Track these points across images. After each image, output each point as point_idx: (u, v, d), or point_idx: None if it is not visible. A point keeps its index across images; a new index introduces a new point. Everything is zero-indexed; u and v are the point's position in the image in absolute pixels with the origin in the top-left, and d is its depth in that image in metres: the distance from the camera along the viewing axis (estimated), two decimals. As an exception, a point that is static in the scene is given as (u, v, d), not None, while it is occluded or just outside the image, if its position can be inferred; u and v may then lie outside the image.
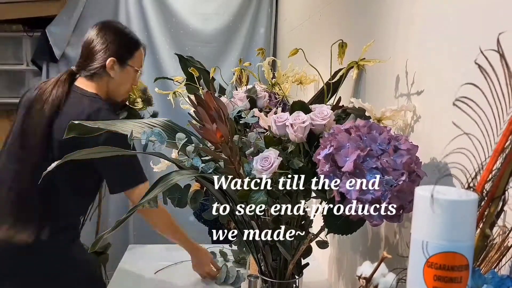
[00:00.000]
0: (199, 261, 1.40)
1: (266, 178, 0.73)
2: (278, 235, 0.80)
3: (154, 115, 2.06)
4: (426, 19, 0.76)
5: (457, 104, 0.46)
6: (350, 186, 0.61)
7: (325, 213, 0.76)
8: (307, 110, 0.79)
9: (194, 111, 0.78)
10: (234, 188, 0.76)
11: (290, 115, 0.77)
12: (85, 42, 1.48)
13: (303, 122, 0.75)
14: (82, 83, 1.45)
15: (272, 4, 2.74)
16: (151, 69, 2.74)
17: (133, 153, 0.81)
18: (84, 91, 1.44)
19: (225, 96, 0.91)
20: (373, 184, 0.60)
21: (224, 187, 0.78)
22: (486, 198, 0.48)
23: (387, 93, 0.91)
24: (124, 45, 1.51)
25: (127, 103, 1.71)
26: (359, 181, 0.60)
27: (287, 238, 0.81)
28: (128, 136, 0.79)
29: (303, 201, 0.83)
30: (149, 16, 2.70)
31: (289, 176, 0.77)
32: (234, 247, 1.46)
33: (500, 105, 0.47)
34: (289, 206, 0.82)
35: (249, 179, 0.76)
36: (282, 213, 0.81)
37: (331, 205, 0.73)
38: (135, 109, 1.78)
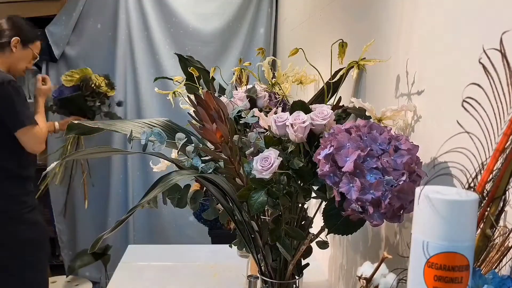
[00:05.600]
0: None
1: (266, 178, 0.73)
2: (278, 235, 0.80)
3: (119, 103, 2.46)
4: (427, 18, 0.76)
5: (463, 105, 0.46)
6: (350, 186, 0.60)
7: (325, 213, 0.76)
8: (307, 110, 0.79)
9: (194, 111, 0.78)
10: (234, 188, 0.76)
11: (290, 115, 0.76)
12: None
13: (303, 122, 0.74)
14: None
15: (272, 4, 2.74)
16: (151, 69, 2.75)
17: (133, 153, 0.81)
18: None
19: (225, 96, 0.91)
20: (373, 184, 0.59)
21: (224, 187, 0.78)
22: (486, 198, 0.48)
23: (387, 93, 0.90)
24: (28, 31, 1.98)
25: (93, 87, 2.34)
26: (359, 181, 0.60)
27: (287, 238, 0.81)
28: (128, 136, 0.79)
29: (303, 201, 0.83)
30: (149, 16, 2.70)
31: (289, 176, 0.77)
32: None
33: (501, 105, 0.47)
34: (289, 206, 0.82)
35: (249, 179, 0.76)
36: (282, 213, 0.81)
37: (331, 205, 0.73)
38: (101, 92, 2.36)
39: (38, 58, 2.07)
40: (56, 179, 2.54)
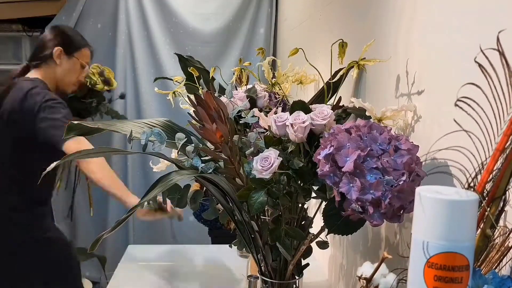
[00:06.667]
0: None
1: (266, 178, 0.73)
2: (278, 235, 0.80)
3: (122, 96, 2.43)
4: (427, 18, 0.76)
5: (459, 105, 0.46)
6: (350, 186, 0.60)
7: (325, 213, 0.76)
8: (307, 110, 0.79)
9: (194, 111, 0.78)
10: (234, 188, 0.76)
11: (290, 115, 0.76)
12: (38, 40, 1.74)
13: (303, 122, 0.74)
14: (30, 73, 1.68)
15: (272, 4, 2.73)
16: (151, 69, 2.74)
17: (133, 153, 0.81)
18: (27, 77, 1.66)
19: (225, 96, 0.91)
20: (373, 184, 0.59)
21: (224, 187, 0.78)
22: (486, 198, 0.48)
23: (387, 93, 0.90)
24: (73, 39, 1.75)
25: (89, 86, 1.99)
26: (359, 181, 0.60)
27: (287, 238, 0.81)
28: (128, 136, 0.79)
29: (303, 201, 0.83)
30: (149, 16, 2.70)
31: (289, 176, 0.77)
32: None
33: (501, 105, 0.47)
34: (289, 206, 0.82)
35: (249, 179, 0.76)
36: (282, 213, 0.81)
37: (331, 205, 0.73)
38: (98, 90, 2.06)
39: (88, 68, 1.83)
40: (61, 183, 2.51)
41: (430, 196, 0.40)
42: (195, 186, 0.99)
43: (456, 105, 0.46)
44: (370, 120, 0.75)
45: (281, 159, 0.73)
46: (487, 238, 0.48)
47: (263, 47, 1.18)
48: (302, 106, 0.81)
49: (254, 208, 0.74)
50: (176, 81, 1.06)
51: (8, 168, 1.67)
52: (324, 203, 0.79)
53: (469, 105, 0.47)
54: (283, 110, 0.95)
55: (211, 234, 2.17)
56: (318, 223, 0.82)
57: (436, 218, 0.40)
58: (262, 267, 0.89)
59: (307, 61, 0.98)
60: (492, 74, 0.46)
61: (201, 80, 0.98)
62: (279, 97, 1.04)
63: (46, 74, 1.68)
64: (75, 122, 0.83)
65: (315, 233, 0.84)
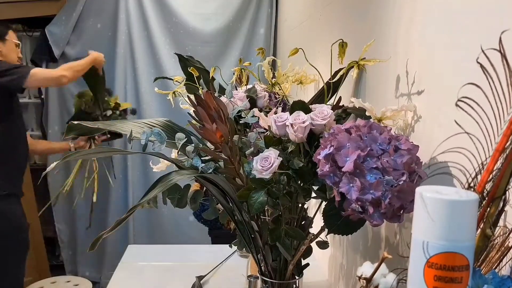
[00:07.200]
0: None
1: (266, 178, 0.73)
2: (278, 235, 0.80)
3: (133, 112, 2.58)
4: (427, 18, 0.76)
5: (459, 105, 0.46)
6: (350, 186, 0.60)
7: (325, 213, 0.76)
8: (307, 110, 0.79)
9: (194, 111, 0.78)
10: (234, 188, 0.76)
11: (290, 115, 0.76)
12: None
13: (303, 122, 0.74)
14: None
15: (272, 4, 2.74)
16: (151, 69, 2.75)
17: (133, 153, 0.81)
18: None
19: (225, 96, 0.91)
20: (373, 184, 0.59)
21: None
22: (486, 198, 0.48)
23: (387, 93, 0.90)
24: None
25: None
26: (359, 181, 0.60)
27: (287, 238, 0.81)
28: (128, 136, 0.79)
29: (303, 201, 0.83)
30: (149, 16, 2.70)
31: (289, 176, 0.77)
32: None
33: (501, 105, 0.47)
34: (289, 206, 0.82)
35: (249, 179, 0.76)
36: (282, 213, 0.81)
37: (331, 205, 0.73)
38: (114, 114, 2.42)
39: (20, 43, 2.21)
40: (67, 189, 2.49)
41: (430, 196, 0.40)
42: (195, 186, 0.99)
43: (457, 105, 0.46)
44: (370, 120, 0.75)
45: (281, 159, 0.73)
46: (487, 238, 0.48)
47: (263, 47, 1.18)
48: (302, 106, 0.81)
49: (254, 208, 0.74)
50: (176, 81, 1.06)
51: None
52: (324, 203, 0.79)
53: (469, 105, 0.47)
54: (283, 110, 0.95)
55: (211, 234, 2.17)
56: (318, 223, 0.82)
57: (436, 218, 0.40)
58: (262, 267, 0.89)
59: (307, 61, 0.98)
60: (492, 74, 0.46)
61: (201, 80, 0.98)
62: (279, 97, 1.04)
63: None
64: (75, 122, 0.83)
65: (315, 233, 0.84)
